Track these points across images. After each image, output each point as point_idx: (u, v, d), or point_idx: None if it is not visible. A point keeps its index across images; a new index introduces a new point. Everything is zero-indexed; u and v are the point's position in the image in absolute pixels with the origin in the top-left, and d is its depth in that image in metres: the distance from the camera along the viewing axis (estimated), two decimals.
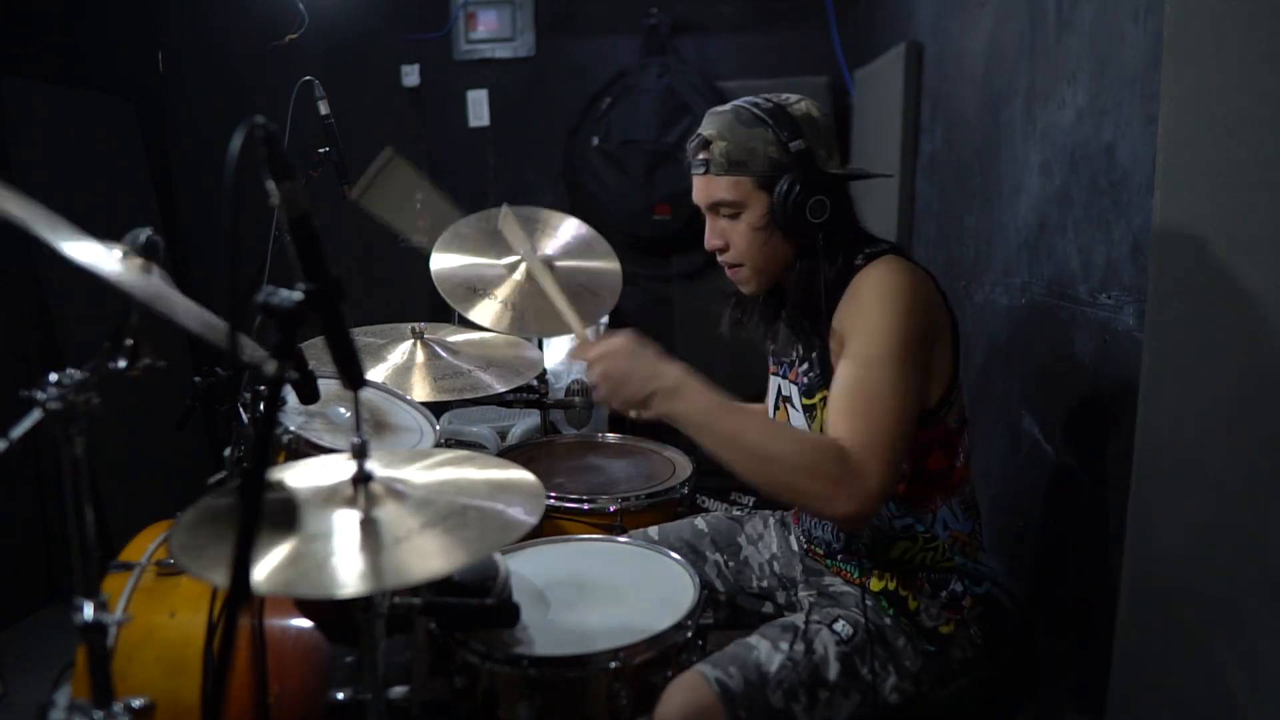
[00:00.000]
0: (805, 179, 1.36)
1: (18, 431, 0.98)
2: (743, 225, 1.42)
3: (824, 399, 1.42)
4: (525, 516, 1.00)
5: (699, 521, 1.73)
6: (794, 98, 1.42)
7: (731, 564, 1.66)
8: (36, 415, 0.99)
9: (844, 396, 1.29)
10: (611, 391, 1.29)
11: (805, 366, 1.48)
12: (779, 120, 1.38)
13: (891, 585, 1.43)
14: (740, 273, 1.47)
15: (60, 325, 2.96)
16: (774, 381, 1.61)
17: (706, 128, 1.42)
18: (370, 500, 1.00)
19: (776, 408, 1.59)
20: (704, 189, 1.43)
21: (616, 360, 1.30)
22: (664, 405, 1.28)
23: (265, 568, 0.88)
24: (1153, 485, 1.21)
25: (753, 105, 1.40)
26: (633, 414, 1.32)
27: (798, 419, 1.51)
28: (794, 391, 1.52)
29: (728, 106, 1.42)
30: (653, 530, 1.72)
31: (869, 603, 1.43)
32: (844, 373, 1.31)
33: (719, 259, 1.48)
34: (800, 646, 1.35)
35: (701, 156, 1.42)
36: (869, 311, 1.32)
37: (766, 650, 1.35)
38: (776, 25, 3.69)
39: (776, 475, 1.26)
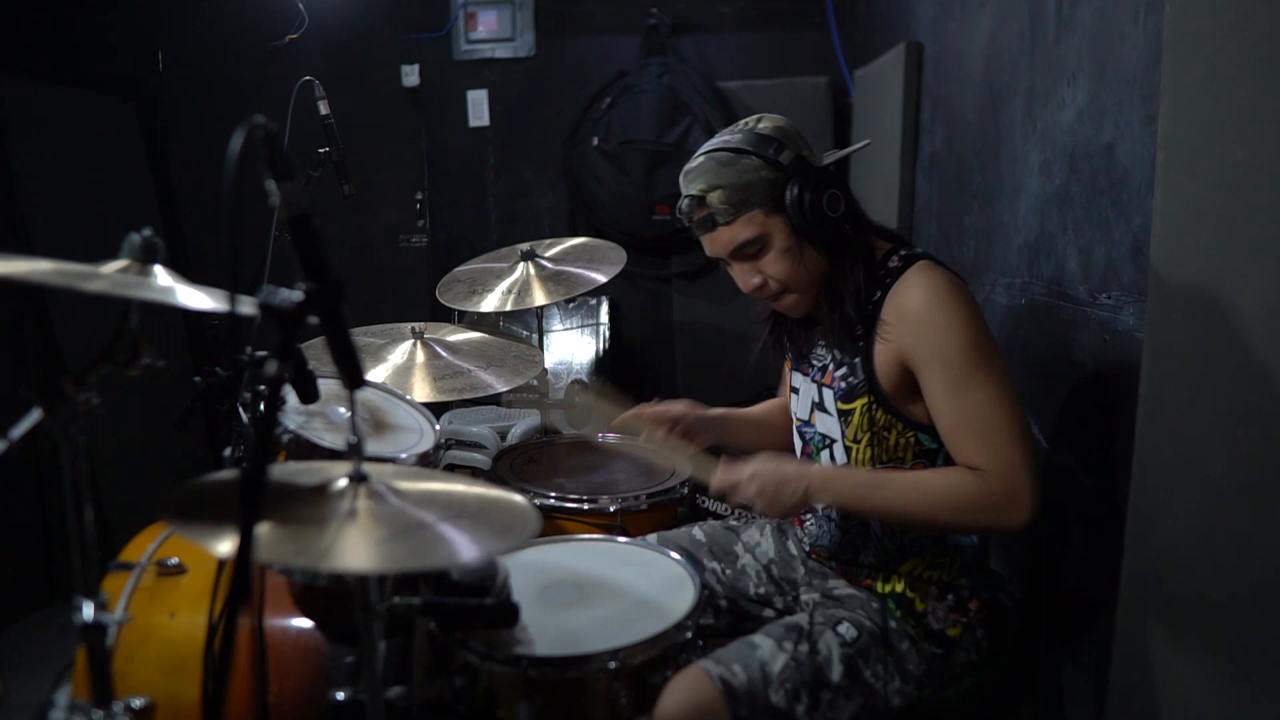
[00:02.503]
0: (807, 182, 1.36)
1: (18, 431, 0.98)
2: (771, 255, 1.41)
3: (864, 405, 1.41)
4: (468, 553, 0.94)
5: (696, 531, 1.73)
6: (752, 120, 1.42)
7: (729, 572, 1.65)
8: (36, 415, 0.99)
9: (960, 428, 1.32)
10: (770, 503, 1.35)
11: (843, 371, 1.45)
12: (757, 144, 1.38)
13: (899, 588, 1.43)
14: (788, 300, 1.46)
15: (60, 325, 2.96)
16: (803, 383, 1.57)
17: (691, 187, 1.41)
18: (358, 500, 0.99)
19: (811, 412, 1.55)
20: (718, 241, 1.42)
21: (766, 478, 1.36)
22: (819, 498, 1.37)
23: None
24: (1153, 485, 1.21)
25: (723, 146, 1.39)
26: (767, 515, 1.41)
27: (830, 424, 1.48)
28: (828, 396, 1.48)
29: (699, 159, 1.41)
30: (651, 538, 1.72)
31: (875, 605, 1.43)
32: (946, 403, 1.32)
33: (760, 296, 1.47)
34: (804, 647, 1.35)
35: (700, 215, 1.40)
36: (939, 328, 1.32)
37: (770, 649, 1.35)
38: (776, 25, 3.68)
39: (938, 525, 1.38)
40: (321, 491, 1.00)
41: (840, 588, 1.50)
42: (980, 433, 1.30)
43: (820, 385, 1.50)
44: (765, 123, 1.41)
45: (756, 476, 1.36)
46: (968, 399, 1.30)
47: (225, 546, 0.86)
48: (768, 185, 1.37)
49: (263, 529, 0.89)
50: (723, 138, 1.41)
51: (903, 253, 1.41)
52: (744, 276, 1.45)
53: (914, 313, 1.34)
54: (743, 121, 1.43)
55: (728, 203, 1.38)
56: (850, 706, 1.35)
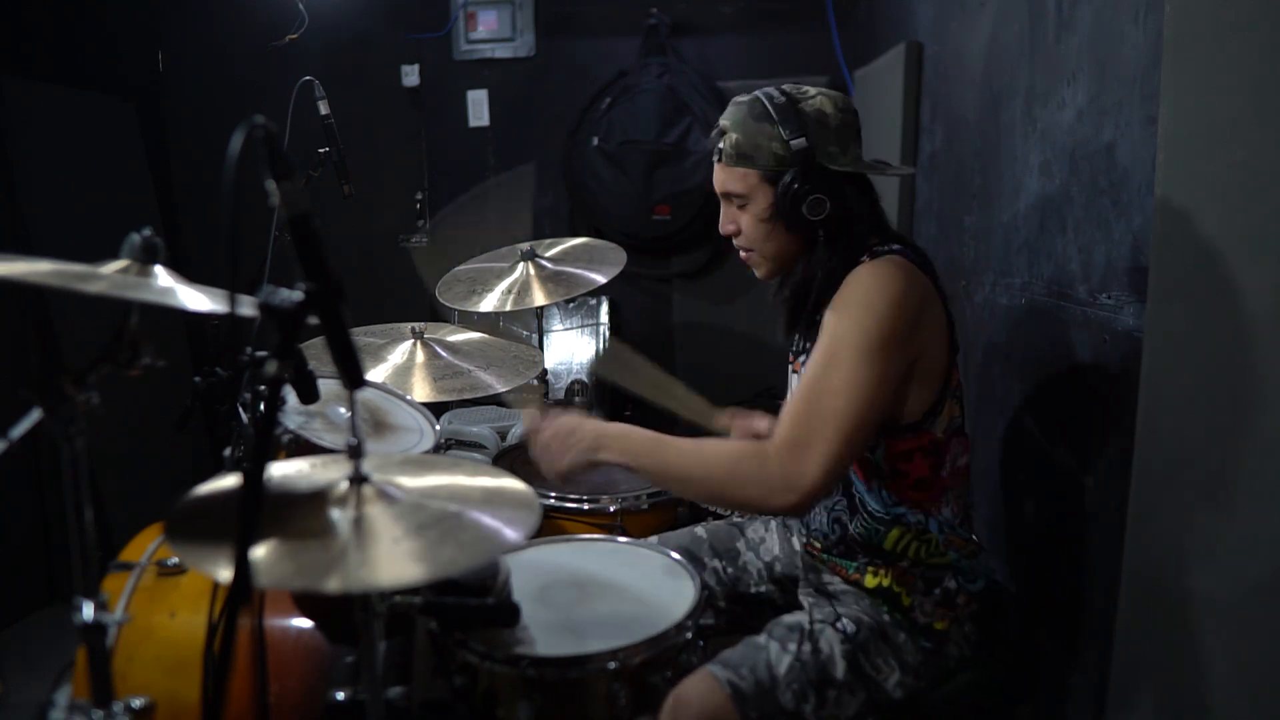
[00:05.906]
0: (805, 177, 1.38)
1: (18, 431, 0.98)
2: (749, 215, 1.46)
3: None
4: (512, 534, 0.96)
5: (698, 529, 1.74)
6: (811, 92, 1.43)
7: (730, 570, 1.66)
8: (36, 415, 0.99)
9: (797, 394, 1.33)
10: (553, 453, 1.39)
11: (804, 358, 1.49)
12: (786, 117, 1.39)
13: (886, 582, 1.43)
14: (751, 257, 1.52)
15: (60, 325, 2.96)
16: (792, 378, 1.60)
17: (725, 117, 1.45)
18: (363, 501, 0.98)
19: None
20: (718, 176, 1.47)
21: (560, 424, 1.40)
22: (607, 450, 1.36)
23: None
24: (1153, 485, 1.21)
25: (768, 99, 1.42)
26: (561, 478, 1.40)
27: None
28: (794, 382, 1.53)
29: (749, 96, 1.45)
30: (652, 540, 1.72)
31: (865, 600, 1.43)
32: (807, 368, 1.35)
33: (734, 243, 1.52)
34: (807, 646, 1.36)
35: (715, 145, 1.46)
36: (844, 308, 1.34)
37: (776, 651, 1.35)
38: (776, 25, 3.69)
39: (712, 490, 1.38)
40: (322, 497, 1.00)
41: (835, 584, 1.51)
42: (803, 408, 1.29)
43: (795, 374, 1.55)
44: (814, 101, 1.41)
45: (552, 424, 1.39)
46: (821, 372, 1.30)
47: (225, 573, 0.85)
48: (773, 158, 1.40)
49: (266, 545, 0.88)
50: (773, 92, 1.43)
51: (876, 248, 1.41)
52: (725, 218, 1.51)
53: (841, 294, 1.36)
54: (806, 88, 1.44)
55: (734, 150, 1.42)
56: (854, 702, 1.36)
